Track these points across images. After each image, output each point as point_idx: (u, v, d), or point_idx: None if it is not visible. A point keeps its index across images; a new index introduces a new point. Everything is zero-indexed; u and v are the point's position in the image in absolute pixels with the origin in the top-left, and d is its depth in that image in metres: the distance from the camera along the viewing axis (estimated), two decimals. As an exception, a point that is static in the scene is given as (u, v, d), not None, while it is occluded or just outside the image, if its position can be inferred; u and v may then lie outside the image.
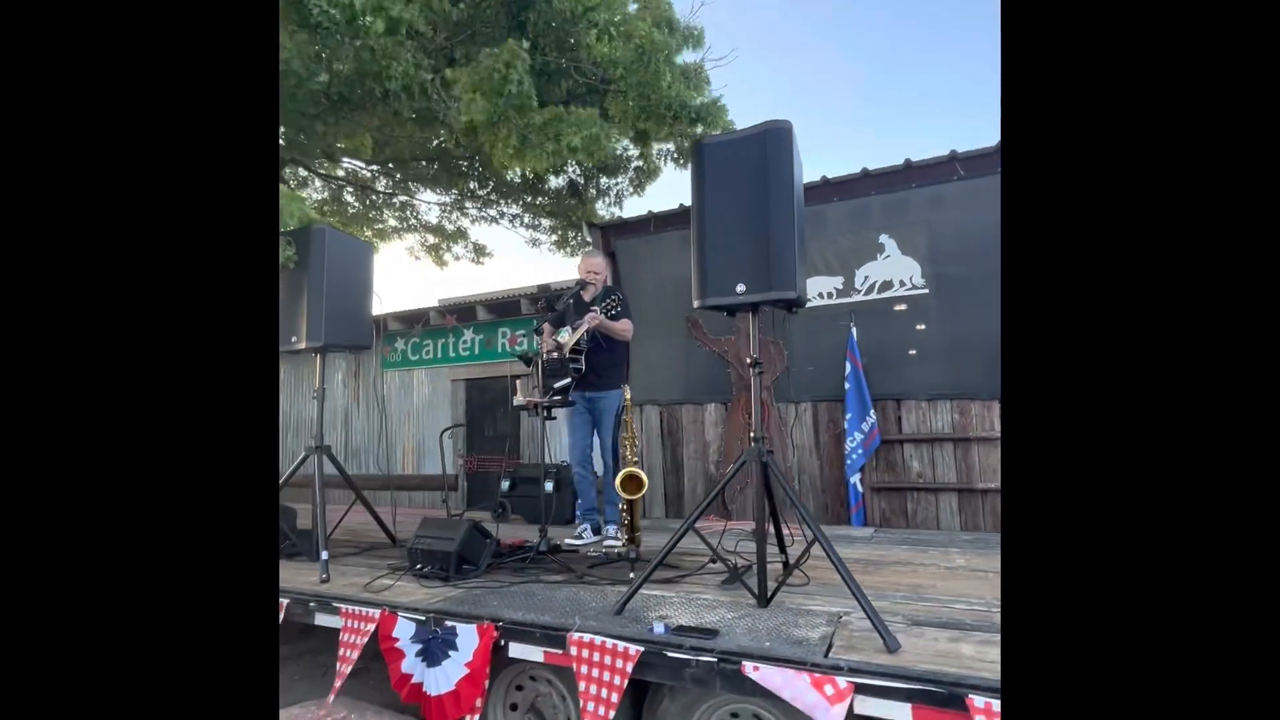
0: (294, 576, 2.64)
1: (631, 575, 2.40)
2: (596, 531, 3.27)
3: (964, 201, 4.08)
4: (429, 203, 6.68)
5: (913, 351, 4.18)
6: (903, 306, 4.22)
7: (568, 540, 3.15)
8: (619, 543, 3.02)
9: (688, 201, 3.04)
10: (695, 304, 2.13)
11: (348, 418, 6.86)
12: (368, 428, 6.67)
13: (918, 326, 4.17)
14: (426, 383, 6.44)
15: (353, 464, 6.73)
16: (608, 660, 1.73)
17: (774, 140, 2.01)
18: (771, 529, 2.41)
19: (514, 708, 2.12)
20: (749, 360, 2.12)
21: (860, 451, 4.19)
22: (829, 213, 4.48)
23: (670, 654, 1.68)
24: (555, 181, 6.45)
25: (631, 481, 2.55)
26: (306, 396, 7.15)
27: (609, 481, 3.13)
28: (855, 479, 4.25)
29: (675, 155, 5.12)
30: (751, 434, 2.06)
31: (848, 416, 4.23)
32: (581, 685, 1.75)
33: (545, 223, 6.72)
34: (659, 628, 1.80)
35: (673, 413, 4.99)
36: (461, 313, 5.78)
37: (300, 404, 7.17)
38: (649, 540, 3.05)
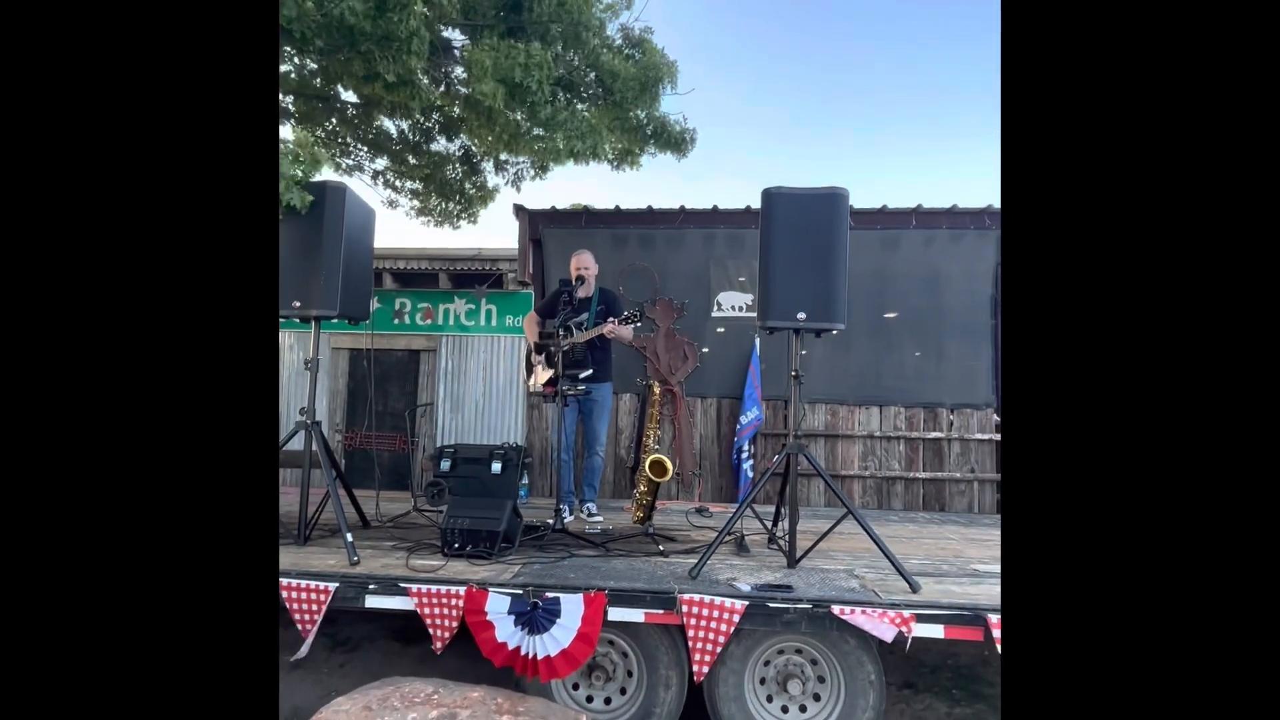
0: (306, 560, 2.47)
1: (662, 548, 2.76)
2: (570, 511, 3.52)
3: (854, 251, 5.08)
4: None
5: (804, 351, 5.07)
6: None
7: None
8: (600, 519, 3.36)
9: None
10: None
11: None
12: (208, 394, 5.68)
13: (801, 351, 5.08)
14: (296, 348, 5.73)
15: (179, 435, 5.67)
16: (716, 614, 2.11)
17: (838, 203, 2.56)
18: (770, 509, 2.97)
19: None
20: (793, 373, 2.63)
21: (738, 435, 5.04)
22: (747, 238, 5.18)
23: (771, 604, 2.13)
24: (445, 145, 6.19)
25: (658, 466, 2.89)
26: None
27: (597, 466, 3.43)
28: (747, 465, 5.07)
29: (613, 158, 5.31)
30: (794, 434, 2.58)
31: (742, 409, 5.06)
32: (690, 634, 2.11)
33: (408, 185, 6.27)
34: (745, 586, 2.23)
35: (590, 400, 5.29)
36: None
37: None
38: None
